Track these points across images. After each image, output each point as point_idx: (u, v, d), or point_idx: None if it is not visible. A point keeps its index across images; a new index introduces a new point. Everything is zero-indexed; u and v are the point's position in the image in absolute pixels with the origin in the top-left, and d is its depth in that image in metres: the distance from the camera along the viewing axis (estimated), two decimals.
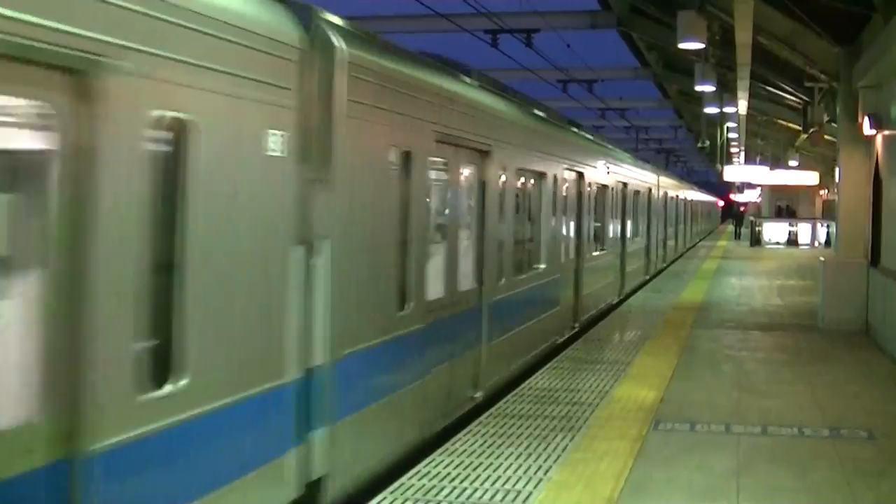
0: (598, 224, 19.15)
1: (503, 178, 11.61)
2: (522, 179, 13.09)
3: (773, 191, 51.57)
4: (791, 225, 49.31)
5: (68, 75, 4.20)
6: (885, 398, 11.06)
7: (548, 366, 12.59)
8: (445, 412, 9.48)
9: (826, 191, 47.64)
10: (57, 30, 4.05)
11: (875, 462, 8.26)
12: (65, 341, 4.17)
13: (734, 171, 40.49)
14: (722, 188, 73.66)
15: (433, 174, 9.17)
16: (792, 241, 48.18)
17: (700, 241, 56.60)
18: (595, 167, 18.39)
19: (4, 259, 4.09)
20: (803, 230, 47.83)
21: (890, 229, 14.96)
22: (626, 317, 18.28)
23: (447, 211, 9.93)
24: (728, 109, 27.43)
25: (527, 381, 11.46)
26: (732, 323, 17.48)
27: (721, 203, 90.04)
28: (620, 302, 21.30)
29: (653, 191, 29.46)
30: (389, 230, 7.98)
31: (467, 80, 11.02)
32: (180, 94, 4.97)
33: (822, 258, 19.05)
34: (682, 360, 13.17)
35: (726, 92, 24.20)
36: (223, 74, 5.39)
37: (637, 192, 25.39)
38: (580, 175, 16.84)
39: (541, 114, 14.97)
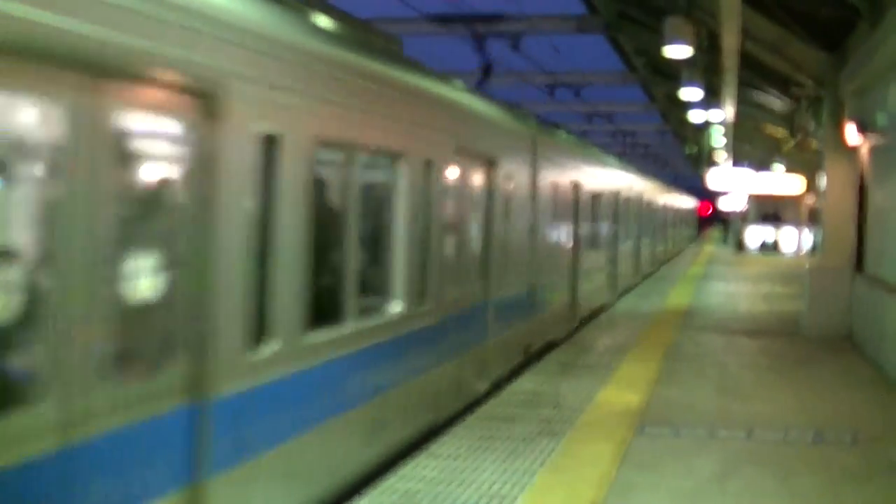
0: (529, 237, 13.79)
1: (273, 153, 6.22)
2: (337, 162, 7.62)
3: (760, 198, 51.70)
4: (776, 227, 49.50)
5: None
6: (869, 403, 11.08)
7: (533, 369, 12.57)
8: None
9: (814, 198, 47.78)
10: None
11: (859, 467, 8.28)
12: None
13: (718, 176, 40.56)
14: (707, 194, 73.84)
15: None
16: (776, 246, 48.38)
17: (682, 249, 52.92)
18: (519, 155, 13.29)
19: None
20: (788, 236, 47.98)
21: (875, 236, 15.01)
22: (613, 321, 18.27)
23: (91, 215, 4.61)
24: (714, 115, 27.48)
25: (512, 385, 11.45)
26: (717, 328, 17.49)
27: (709, 210, 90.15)
28: (571, 334, 16.37)
29: (623, 195, 24.71)
30: None
31: None
32: None
33: (807, 264, 19.09)
34: (668, 364, 13.17)
35: (713, 98, 24.24)
36: None
37: (598, 196, 20.43)
38: (490, 165, 11.62)
39: (385, 51, 8.89)
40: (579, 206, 18.01)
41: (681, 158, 65.69)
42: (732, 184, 40.57)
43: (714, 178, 40.35)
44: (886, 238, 13.82)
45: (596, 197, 20.27)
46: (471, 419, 9.55)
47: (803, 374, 12.85)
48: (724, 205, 67.74)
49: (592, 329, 17.06)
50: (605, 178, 21.80)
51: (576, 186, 17.69)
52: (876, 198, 15.00)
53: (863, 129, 15.42)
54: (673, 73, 23.22)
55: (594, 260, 20.25)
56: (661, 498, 7.23)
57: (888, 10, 12.50)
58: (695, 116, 28.56)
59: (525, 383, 11.52)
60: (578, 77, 31.84)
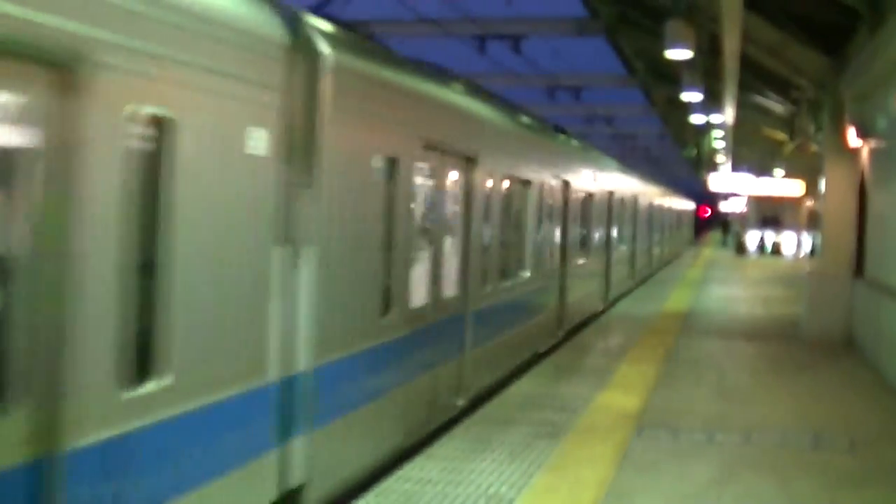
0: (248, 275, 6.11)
1: None
2: None
3: (759, 201, 51.80)
4: (776, 231, 49.59)
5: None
6: (868, 408, 11.07)
7: (531, 372, 12.56)
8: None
9: (812, 201, 47.92)
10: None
11: (857, 472, 8.26)
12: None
13: (719, 180, 40.61)
14: (707, 197, 73.96)
15: None
16: (776, 249, 48.45)
17: (678, 254, 47.64)
18: (241, 89, 6.00)
19: None
20: (788, 240, 48.06)
21: (875, 239, 15.01)
22: (612, 324, 18.26)
23: None
24: (714, 118, 27.50)
25: (510, 387, 11.43)
26: (716, 332, 17.49)
27: (707, 213, 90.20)
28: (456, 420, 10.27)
29: (578, 188, 18.07)
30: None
31: None
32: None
33: (807, 268, 19.09)
34: (667, 367, 13.16)
35: (713, 100, 24.25)
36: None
37: (524, 186, 13.76)
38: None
39: None
40: (473, 202, 11.08)
41: (681, 161, 65.71)
42: (733, 187, 40.61)
43: (714, 181, 40.40)
44: (886, 242, 13.81)
45: (522, 188, 13.54)
46: (469, 422, 9.54)
47: (802, 379, 12.84)
48: (724, 208, 67.91)
49: (590, 332, 17.03)
50: (542, 161, 14.84)
51: (471, 169, 10.96)
52: (876, 201, 15.00)
53: (863, 132, 15.42)
54: (673, 77, 23.24)
55: (517, 287, 13.56)
56: (660, 501, 7.22)
57: (889, 15, 12.50)
58: (695, 119, 28.60)
59: (523, 386, 11.50)
60: (578, 79, 31.88)
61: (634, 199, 27.81)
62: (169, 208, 5.10)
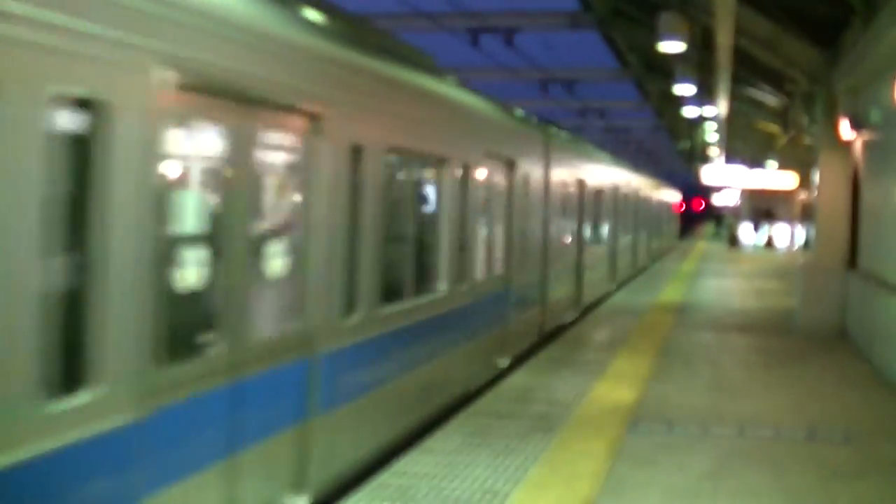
0: None
1: None
2: None
3: (753, 195, 51.83)
4: (769, 223, 49.61)
5: None
6: (862, 401, 11.08)
7: (526, 365, 12.56)
8: None
9: (807, 194, 47.91)
10: None
11: (851, 464, 8.28)
12: None
13: (712, 172, 40.58)
14: (700, 190, 73.97)
15: None
16: (768, 243, 48.51)
17: (662, 253, 42.04)
18: None
19: None
20: (781, 233, 48.08)
21: (868, 232, 15.02)
22: (606, 317, 18.27)
23: None
24: (708, 111, 27.51)
25: (505, 381, 11.43)
26: (710, 324, 17.50)
27: (701, 206, 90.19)
28: None
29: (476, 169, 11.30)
30: None
31: None
32: None
33: (800, 261, 19.11)
34: (661, 360, 13.17)
35: (706, 94, 24.25)
36: None
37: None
38: None
39: None
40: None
41: (674, 155, 65.77)
42: (726, 180, 40.61)
43: (707, 174, 40.41)
44: (879, 234, 13.83)
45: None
46: (464, 415, 9.53)
47: (796, 371, 12.86)
48: (717, 201, 67.92)
49: (584, 325, 17.04)
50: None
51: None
52: (869, 194, 15.01)
53: (856, 125, 15.42)
54: (666, 70, 23.23)
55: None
56: (655, 494, 7.22)
57: (882, 7, 12.50)
58: (688, 112, 28.60)
59: (518, 379, 11.50)
60: (571, 73, 31.85)
61: (587, 191, 20.34)
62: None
